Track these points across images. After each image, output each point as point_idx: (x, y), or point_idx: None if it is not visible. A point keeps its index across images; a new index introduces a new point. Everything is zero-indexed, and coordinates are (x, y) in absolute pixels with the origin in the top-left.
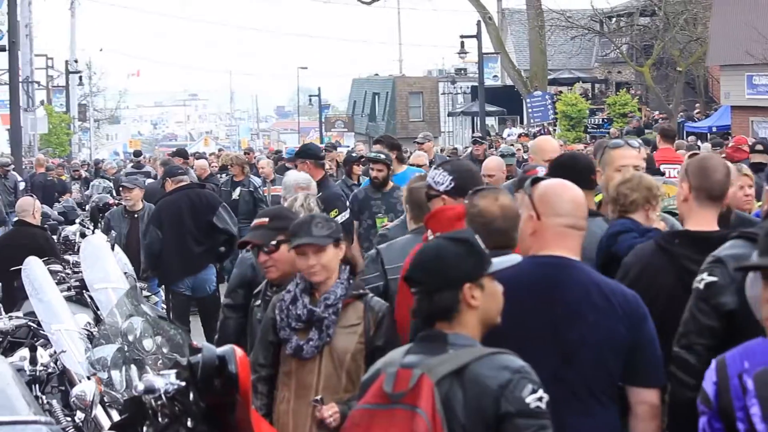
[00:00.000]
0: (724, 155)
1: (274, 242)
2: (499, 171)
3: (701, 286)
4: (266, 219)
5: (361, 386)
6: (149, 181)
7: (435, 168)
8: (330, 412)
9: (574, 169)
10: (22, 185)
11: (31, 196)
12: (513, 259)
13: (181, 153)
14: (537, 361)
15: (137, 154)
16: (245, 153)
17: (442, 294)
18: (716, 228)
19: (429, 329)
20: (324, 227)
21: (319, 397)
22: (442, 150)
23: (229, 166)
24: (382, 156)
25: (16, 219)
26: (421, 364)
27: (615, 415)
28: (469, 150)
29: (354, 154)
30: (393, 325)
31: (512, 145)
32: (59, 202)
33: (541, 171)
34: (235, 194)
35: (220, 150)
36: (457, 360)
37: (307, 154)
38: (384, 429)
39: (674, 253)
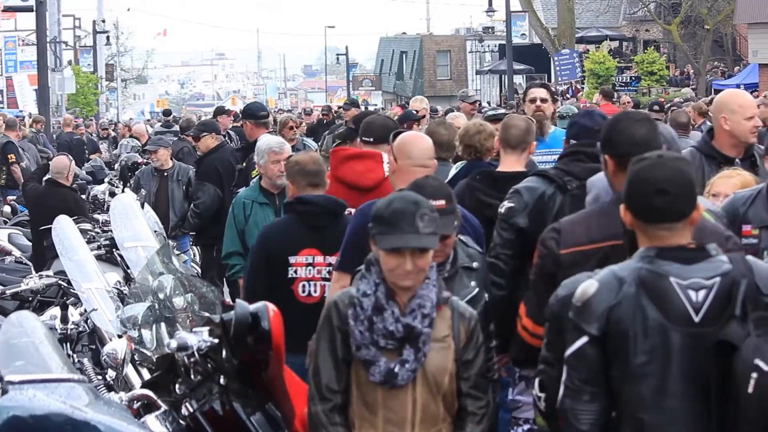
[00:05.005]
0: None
1: None
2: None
3: (503, 210)
4: (443, 201)
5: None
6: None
7: None
8: None
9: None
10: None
11: (65, 155)
12: None
13: (222, 112)
14: None
15: (167, 113)
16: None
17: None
18: (519, 169)
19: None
20: (431, 223)
21: None
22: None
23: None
24: (502, 111)
25: (48, 178)
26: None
27: None
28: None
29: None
30: (481, 334)
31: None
32: (88, 161)
33: None
34: None
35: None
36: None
37: (246, 115)
38: None
39: (473, 186)
